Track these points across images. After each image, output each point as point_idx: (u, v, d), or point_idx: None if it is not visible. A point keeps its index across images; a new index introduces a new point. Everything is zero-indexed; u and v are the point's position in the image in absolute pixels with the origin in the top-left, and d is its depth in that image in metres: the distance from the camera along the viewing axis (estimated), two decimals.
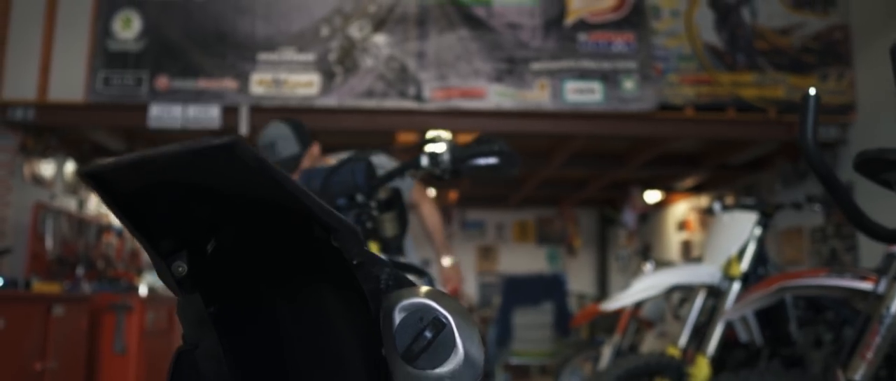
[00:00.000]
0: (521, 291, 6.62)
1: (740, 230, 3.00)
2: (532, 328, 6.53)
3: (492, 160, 1.81)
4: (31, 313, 3.74)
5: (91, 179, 0.58)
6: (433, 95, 4.90)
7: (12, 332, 3.48)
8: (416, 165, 1.86)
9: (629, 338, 4.70)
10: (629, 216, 7.73)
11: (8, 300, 3.47)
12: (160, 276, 0.73)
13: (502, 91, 4.93)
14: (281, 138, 2.82)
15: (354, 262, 0.75)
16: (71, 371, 4.26)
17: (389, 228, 1.91)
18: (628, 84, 4.99)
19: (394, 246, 1.92)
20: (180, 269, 0.72)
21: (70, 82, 4.86)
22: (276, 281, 0.86)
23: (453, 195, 8.57)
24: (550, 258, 10.11)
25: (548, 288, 6.65)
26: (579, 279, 9.88)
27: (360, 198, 1.87)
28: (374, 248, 1.89)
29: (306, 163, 2.88)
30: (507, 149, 1.80)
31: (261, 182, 0.64)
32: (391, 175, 1.89)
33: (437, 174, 1.85)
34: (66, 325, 4.11)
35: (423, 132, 5.25)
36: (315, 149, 2.97)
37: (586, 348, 5.50)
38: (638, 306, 4.34)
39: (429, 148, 1.84)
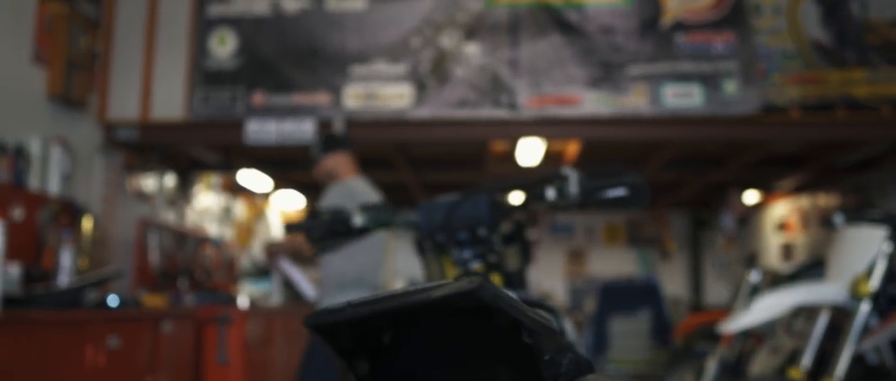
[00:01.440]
0: (616, 298, 6.47)
1: (867, 246, 2.82)
2: (629, 336, 6.39)
3: (620, 192, 1.72)
4: (142, 330, 3.84)
5: (314, 329, 0.54)
6: (527, 104, 4.82)
7: (126, 348, 3.57)
8: (541, 197, 1.79)
9: (736, 350, 4.52)
10: (728, 220, 7.47)
11: (123, 319, 3.57)
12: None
13: (598, 97, 4.81)
14: (312, 145, 3.72)
15: (546, 358, 0.71)
16: (180, 375, 4.36)
17: (513, 262, 1.85)
18: (729, 86, 4.80)
19: (517, 280, 1.87)
20: (363, 368, 0.69)
21: (170, 102, 4.99)
22: (447, 363, 0.82)
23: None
24: (642, 262, 9.88)
25: (644, 295, 6.47)
26: (672, 284, 9.63)
27: (482, 232, 1.82)
28: (496, 280, 1.84)
29: (328, 164, 3.61)
30: (638, 180, 1.71)
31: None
32: (515, 209, 1.83)
33: (561, 206, 1.78)
34: (173, 339, 4.21)
35: (516, 141, 5.18)
36: (339, 157, 3.62)
37: (686, 358, 5.32)
38: None
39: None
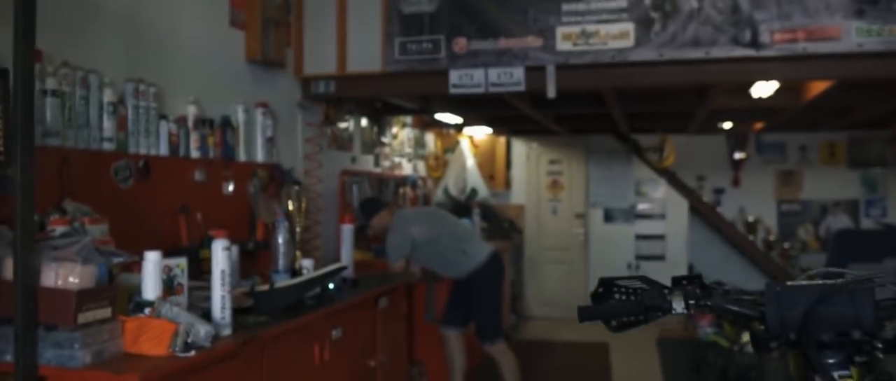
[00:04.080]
0: (856, 246, 5.67)
1: None
2: None
3: None
4: (362, 315, 3.65)
5: None
6: (773, 40, 4.08)
7: (347, 336, 3.39)
8: None
9: None
10: None
11: (344, 310, 3.36)
12: None
13: (864, 28, 3.98)
14: (357, 214, 4.81)
15: None
16: (396, 349, 4.20)
17: None
18: None
19: None
20: None
21: (367, 52, 4.65)
22: None
23: (758, 126, 7.59)
24: (866, 184, 8.78)
25: (890, 243, 5.64)
26: None
27: (858, 335, 1.34)
28: None
29: (379, 222, 4.63)
30: None
31: None
32: None
33: None
34: (388, 313, 4.02)
35: (756, 83, 4.47)
36: (383, 215, 4.65)
37: None
38: None
39: None
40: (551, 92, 4.35)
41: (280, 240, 3.46)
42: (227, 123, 3.89)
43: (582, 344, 7.28)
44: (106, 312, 2.11)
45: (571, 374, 6.31)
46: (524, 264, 8.42)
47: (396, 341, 4.23)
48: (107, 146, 2.99)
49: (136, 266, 2.37)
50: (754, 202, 8.94)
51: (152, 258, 2.28)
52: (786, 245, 8.69)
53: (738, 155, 8.93)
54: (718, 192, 8.96)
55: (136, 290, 2.31)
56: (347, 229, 3.91)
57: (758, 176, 8.98)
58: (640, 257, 8.29)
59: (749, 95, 5.20)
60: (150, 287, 2.27)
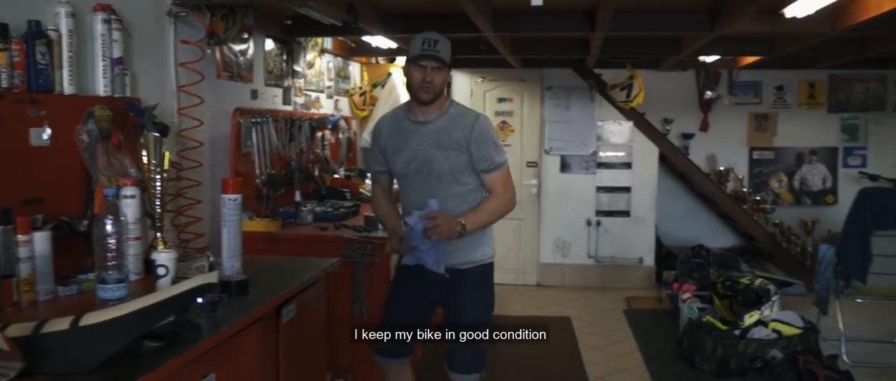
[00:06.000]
0: (883, 207, 4.63)
1: None
2: None
3: None
4: (252, 339, 2.30)
5: None
6: None
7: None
8: None
9: None
10: None
11: (218, 347, 2.01)
12: None
13: None
14: (444, 45, 2.84)
15: None
16: (310, 373, 2.89)
17: None
18: None
19: None
20: None
21: None
22: None
23: (747, 60, 6.42)
24: (846, 131, 7.81)
25: None
26: (885, 159, 7.67)
27: None
28: None
29: (444, 79, 2.90)
30: None
31: None
32: None
33: None
34: (298, 325, 2.69)
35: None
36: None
37: None
38: None
39: None
40: None
41: (108, 227, 2.07)
42: (36, 34, 2.42)
43: (538, 319, 6.12)
44: None
45: (533, 356, 5.13)
46: None
47: (311, 360, 2.92)
48: None
49: None
50: (725, 149, 7.87)
51: None
52: (757, 198, 7.69)
53: (708, 94, 7.81)
54: (687, 137, 7.84)
55: None
56: (231, 203, 2.51)
57: (729, 119, 7.90)
58: (601, 213, 7.14)
59: (775, 18, 4.00)
60: None
